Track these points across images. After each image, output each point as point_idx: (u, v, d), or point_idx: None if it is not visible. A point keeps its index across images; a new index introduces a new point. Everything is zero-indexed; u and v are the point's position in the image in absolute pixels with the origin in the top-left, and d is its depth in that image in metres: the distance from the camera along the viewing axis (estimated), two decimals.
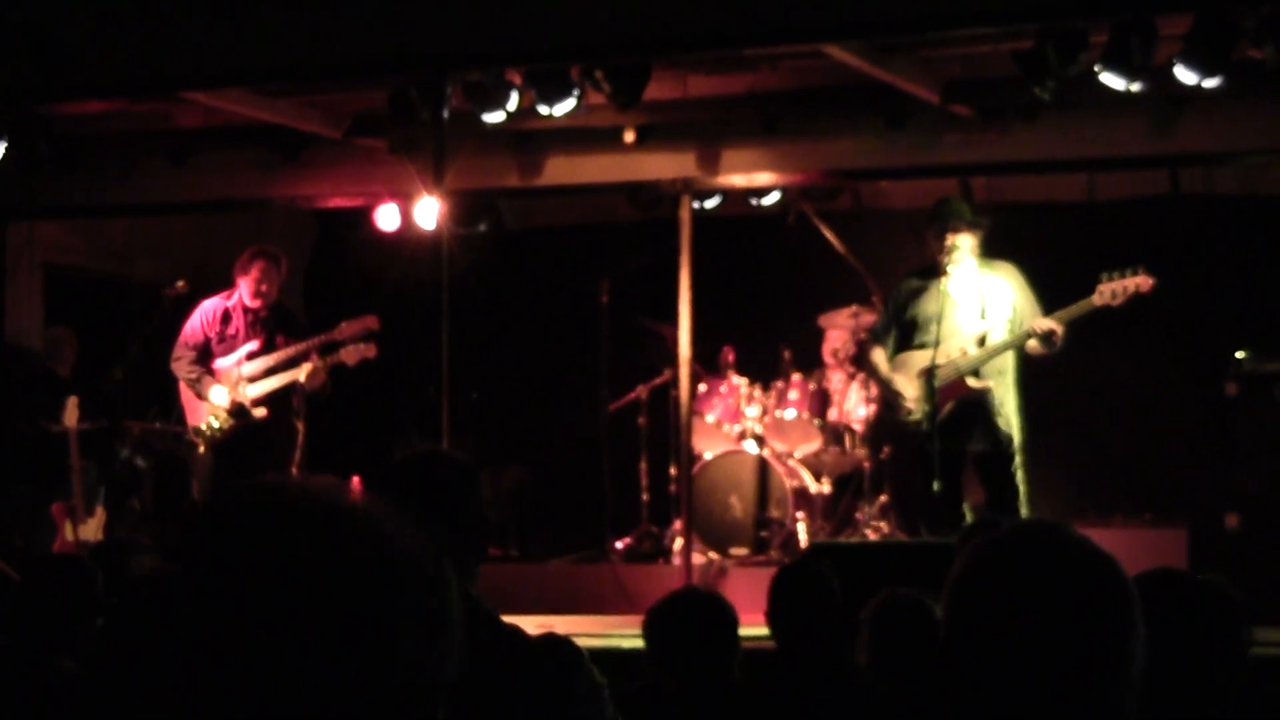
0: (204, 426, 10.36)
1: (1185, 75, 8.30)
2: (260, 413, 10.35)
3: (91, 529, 10.50)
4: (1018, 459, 9.24)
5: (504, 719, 3.47)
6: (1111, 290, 8.87)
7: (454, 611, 1.57)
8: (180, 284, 10.70)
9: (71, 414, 10.63)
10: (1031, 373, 9.44)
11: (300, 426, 10.57)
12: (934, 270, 9.30)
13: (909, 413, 9.35)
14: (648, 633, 5.12)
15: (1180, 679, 2.99)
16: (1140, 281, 8.87)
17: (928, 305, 9.29)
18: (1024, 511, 9.16)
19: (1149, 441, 11.54)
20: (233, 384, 10.35)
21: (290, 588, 1.48)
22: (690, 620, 5.13)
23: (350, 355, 10.44)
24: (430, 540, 1.65)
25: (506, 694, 3.48)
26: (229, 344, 10.45)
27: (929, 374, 9.12)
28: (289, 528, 1.53)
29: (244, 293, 10.49)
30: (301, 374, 10.35)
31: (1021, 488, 9.23)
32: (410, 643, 1.52)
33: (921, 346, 9.29)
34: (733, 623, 5.20)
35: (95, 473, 10.90)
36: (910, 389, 9.31)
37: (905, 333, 9.43)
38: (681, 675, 5.06)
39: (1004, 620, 2.19)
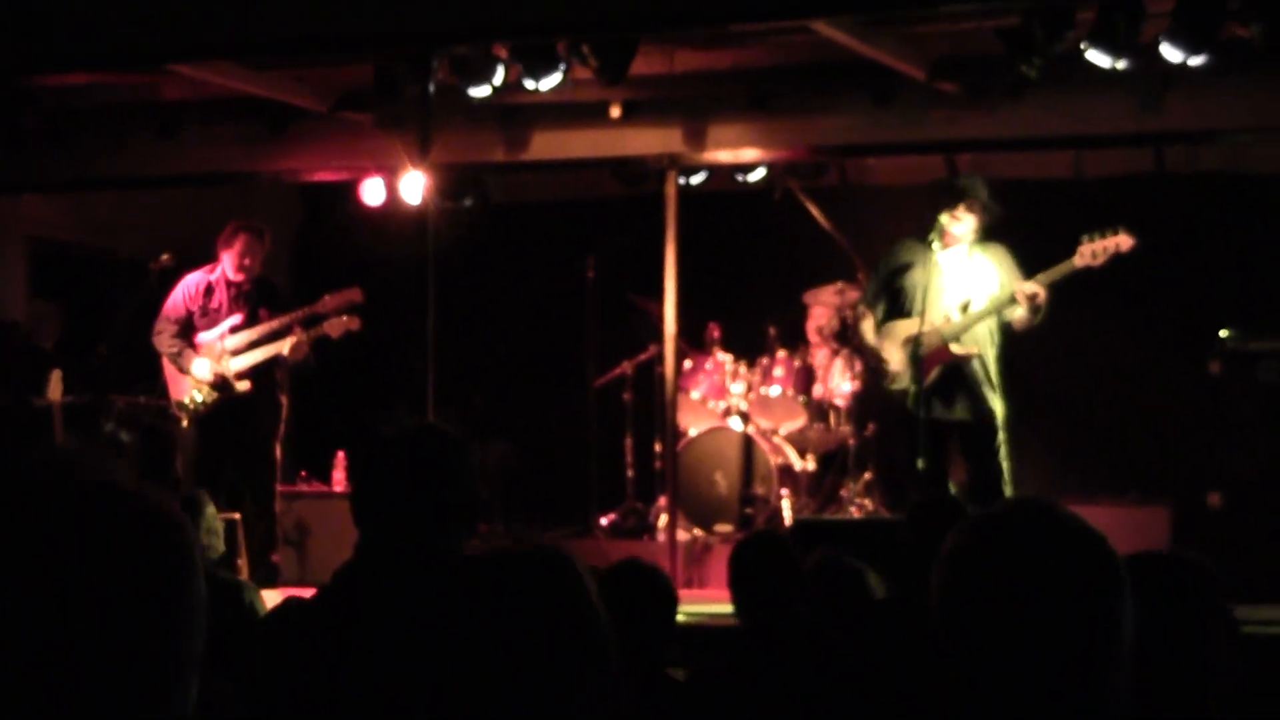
0: (187, 400, 10.35)
1: (1171, 53, 8.31)
2: (244, 386, 10.34)
3: None
4: (1001, 434, 9.25)
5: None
6: (1092, 251, 8.89)
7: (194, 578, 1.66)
8: (165, 257, 10.68)
9: (55, 388, 10.61)
10: (1016, 351, 9.46)
11: (284, 400, 10.58)
12: (926, 241, 9.31)
13: (893, 379, 9.36)
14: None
15: (1170, 659, 3.00)
16: (1120, 240, 8.89)
17: (916, 275, 9.30)
18: (1007, 488, 9.17)
19: (1133, 420, 11.57)
20: (216, 357, 10.35)
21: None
22: (627, 591, 5.09)
23: (334, 328, 10.44)
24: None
25: (506, 614, 3.46)
26: (212, 318, 10.45)
27: (914, 342, 9.13)
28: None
29: (227, 267, 10.47)
30: (285, 347, 10.35)
31: (1005, 464, 9.23)
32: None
33: (908, 315, 9.30)
34: (670, 599, 5.18)
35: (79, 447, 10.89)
36: (895, 356, 9.32)
37: (893, 301, 9.44)
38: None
39: (996, 596, 2.21)
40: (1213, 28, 8.19)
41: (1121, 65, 8.44)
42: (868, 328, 9.59)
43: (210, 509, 7.57)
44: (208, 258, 10.64)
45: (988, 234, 9.38)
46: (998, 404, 9.26)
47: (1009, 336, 9.33)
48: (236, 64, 10.12)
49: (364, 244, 12.22)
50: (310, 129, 11.33)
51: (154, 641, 1.61)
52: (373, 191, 11.53)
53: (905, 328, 9.26)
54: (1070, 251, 9.06)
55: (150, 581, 1.62)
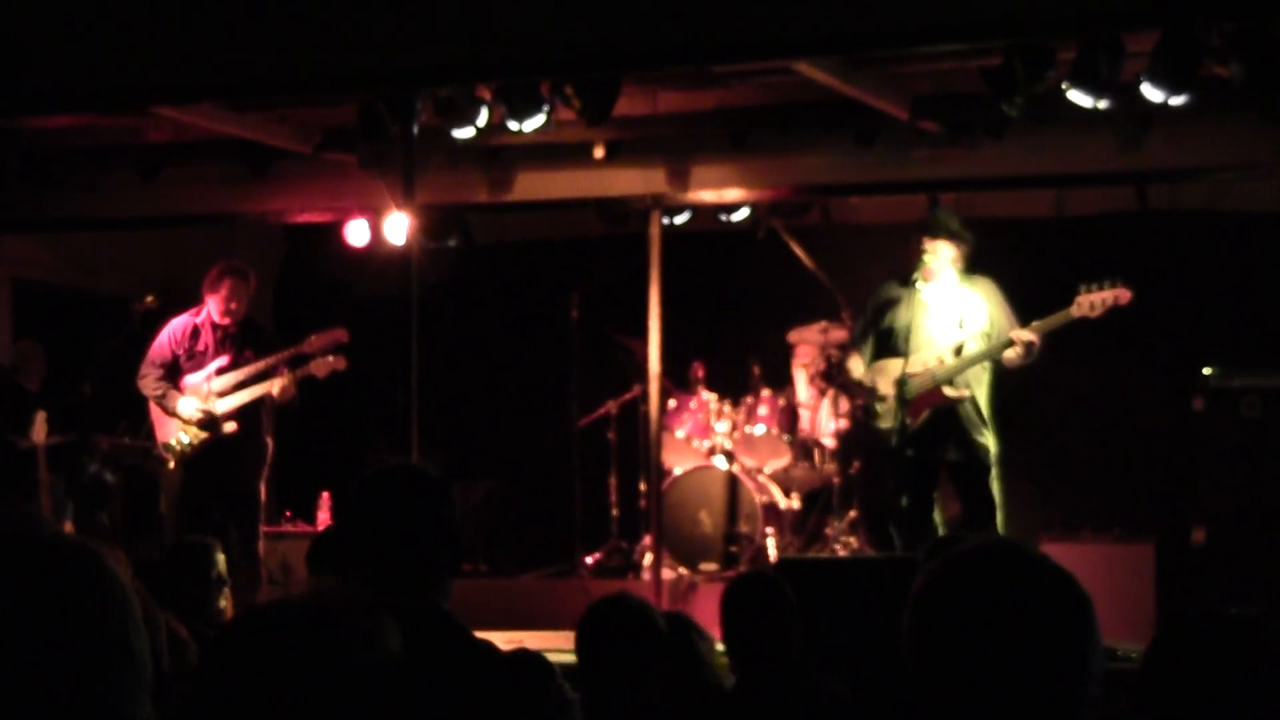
0: (174, 442, 10.33)
1: (1152, 92, 8.34)
2: (230, 427, 10.32)
3: None
4: (993, 471, 9.25)
5: None
6: (1090, 302, 8.90)
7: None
8: (150, 299, 10.67)
9: (39, 429, 10.59)
10: (999, 387, 9.46)
11: (269, 441, 10.56)
12: (910, 279, 9.31)
13: (880, 417, 9.32)
14: (577, 638, 5.06)
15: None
16: (1119, 294, 8.90)
17: (902, 314, 9.28)
18: (1000, 524, 9.16)
19: (1116, 456, 11.58)
20: (202, 399, 10.33)
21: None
22: (616, 625, 5.08)
23: (319, 368, 10.43)
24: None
25: (478, 709, 3.49)
26: (198, 360, 10.43)
27: (901, 383, 9.11)
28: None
29: (213, 309, 10.46)
30: (273, 388, 10.34)
31: (998, 500, 9.23)
32: None
33: (897, 355, 9.28)
34: (657, 632, 5.16)
35: (63, 488, 10.86)
36: (889, 393, 9.26)
37: (881, 340, 9.41)
38: (604, 682, 5.00)
39: (963, 637, 2.21)
40: (1192, 67, 8.22)
41: (1103, 104, 8.47)
42: (855, 365, 9.58)
43: (220, 558, 7.55)
44: (190, 298, 10.62)
45: (973, 268, 9.37)
46: (990, 441, 9.25)
47: (999, 373, 9.33)
48: (218, 105, 10.14)
49: (347, 284, 12.22)
50: (293, 170, 11.34)
51: (81, 674, 1.63)
52: (356, 232, 11.54)
53: (896, 367, 9.22)
54: (1054, 291, 9.06)
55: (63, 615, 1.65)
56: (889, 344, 9.34)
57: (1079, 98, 8.47)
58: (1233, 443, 10.12)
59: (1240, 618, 2.84)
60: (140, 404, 10.60)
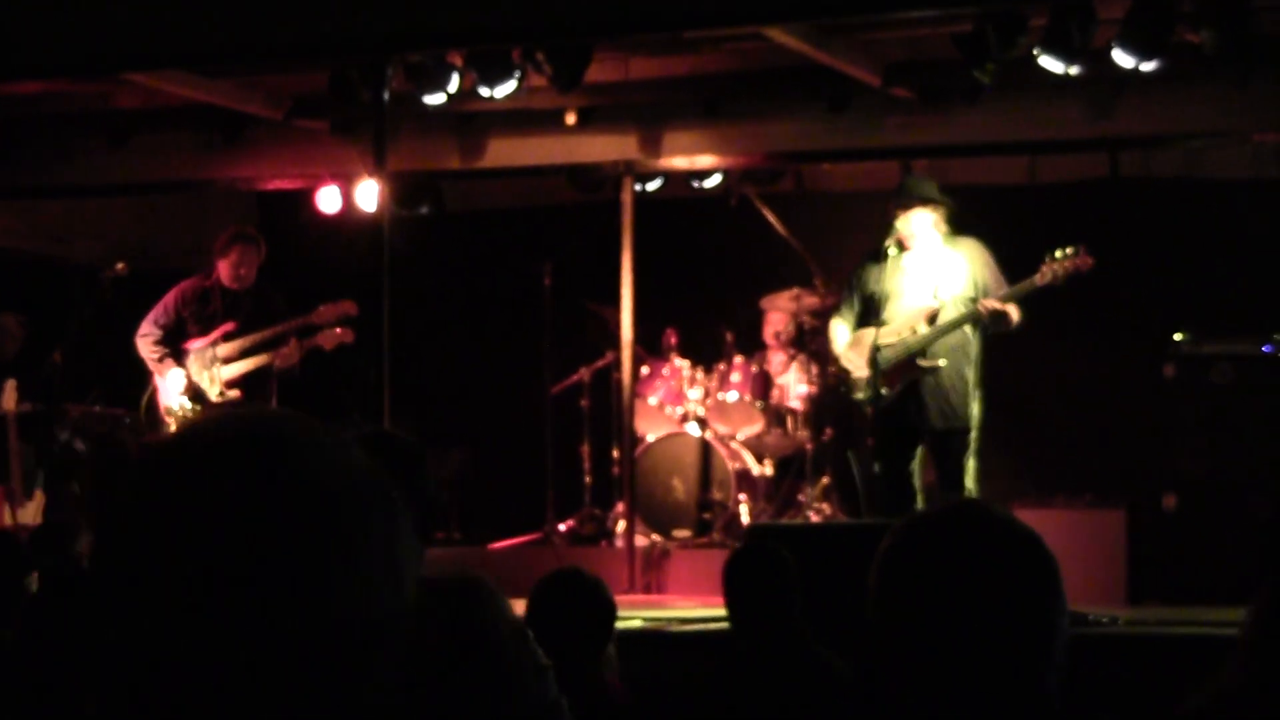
0: (176, 406, 10.27)
1: (1123, 58, 8.36)
2: (234, 394, 10.29)
3: (30, 512, 10.43)
4: (972, 439, 9.15)
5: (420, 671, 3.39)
6: (1053, 271, 8.87)
7: (408, 539, 1.52)
8: (120, 266, 10.61)
9: (10, 397, 10.54)
10: (989, 352, 9.34)
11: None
12: (886, 247, 9.21)
13: (859, 389, 9.23)
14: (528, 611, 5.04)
15: None
16: (1081, 262, 8.87)
17: (883, 283, 9.18)
18: (974, 492, 9.09)
19: (1088, 423, 11.61)
20: (207, 363, 10.28)
21: (237, 517, 1.41)
22: (564, 603, 5.07)
23: (327, 340, 10.41)
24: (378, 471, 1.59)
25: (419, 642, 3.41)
26: (205, 325, 10.37)
27: (875, 352, 9.06)
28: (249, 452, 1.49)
29: (222, 275, 10.41)
30: (278, 357, 10.32)
31: (972, 467, 9.14)
32: (364, 574, 1.46)
33: (876, 324, 9.19)
34: (609, 610, 5.16)
35: (34, 456, 10.82)
36: (862, 367, 9.20)
37: (864, 310, 9.30)
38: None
39: (931, 597, 2.22)
40: (1164, 33, 8.24)
41: (1074, 71, 8.48)
42: (837, 335, 9.43)
43: None
44: (162, 265, 10.58)
45: (959, 229, 9.25)
46: (972, 408, 9.14)
47: (987, 339, 9.18)
48: (189, 72, 10.09)
49: (320, 251, 12.19)
50: (264, 136, 11.30)
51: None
52: (328, 199, 11.50)
53: (871, 336, 9.15)
54: (1026, 258, 9.02)
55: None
56: (869, 313, 9.25)
57: (1051, 64, 8.48)
58: (1203, 409, 10.15)
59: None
60: (114, 372, 10.56)
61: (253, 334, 10.34)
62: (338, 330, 10.42)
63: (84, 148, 11.48)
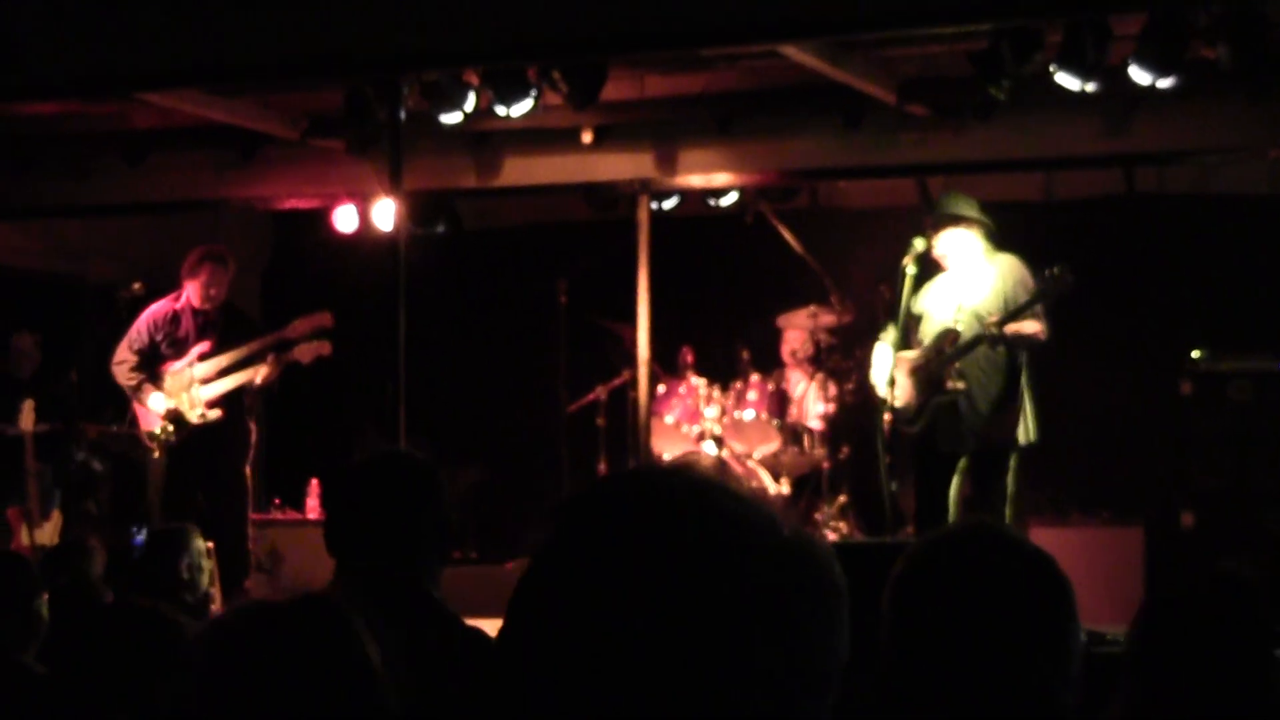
0: (158, 430, 10.29)
1: (1139, 75, 8.34)
2: (215, 414, 10.29)
3: (48, 533, 10.44)
4: (1012, 461, 9.00)
5: None
6: (1042, 288, 8.76)
7: (843, 599, 1.55)
8: (136, 286, 10.64)
9: (27, 417, 10.56)
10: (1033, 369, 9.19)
11: (253, 427, 10.53)
12: (909, 265, 9.12)
13: (892, 411, 9.11)
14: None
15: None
16: (1062, 282, 8.72)
17: (917, 303, 9.14)
18: (1008, 512, 8.89)
19: (1105, 440, 11.58)
20: (186, 385, 10.29)
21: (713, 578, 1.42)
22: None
23: (305, 353, 10.41)
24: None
25: (469, 697, 3.47)
26: (179, 347, 10.38)
27: (911, 374, 9.00)
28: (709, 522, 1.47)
29: (192, 295, 10.41)
30: (257, 374, 10.31)
31: (1010, 487, 8.96)
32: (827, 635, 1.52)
33: (909, 346, 9.14)
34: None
35: (51, 476, 10.83)
36: (893, 388, 9.09)
37: (904, 329, 9.19)
38: None
39: (942, 618, 2.21)
40: (1180, 50, 8.22)
41: (1090, 87, 8.46)
42: (875, 357, 9.26)
43: (198, 543, 7.58)
44: (178, 284, 10.59)
45: (1000, 244, 9.14)
46: (1007, 429, 8.94)
47: (1033, 354, 9.01)
48: (205, 91, 10.11)
49: (336, 270, 12.20)
50: (280, 155, 11.31)
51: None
52: (344, 218, 11.52)
53: (904, 359, 9.06)
54: (1040, 274, 8.97)
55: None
56: (909, 335, 9.17)
57: (1066, 80, 8.46)
58: (1221, 426, 10.13)
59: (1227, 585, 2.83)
60: (124, 391, 10.57)
61: (228, 353, 10.34)
62: (315, 343, 10.42)
63: (100, 167, 11.50)
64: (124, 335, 10.49)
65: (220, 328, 10.43)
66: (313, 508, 11.58)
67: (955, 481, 9.00)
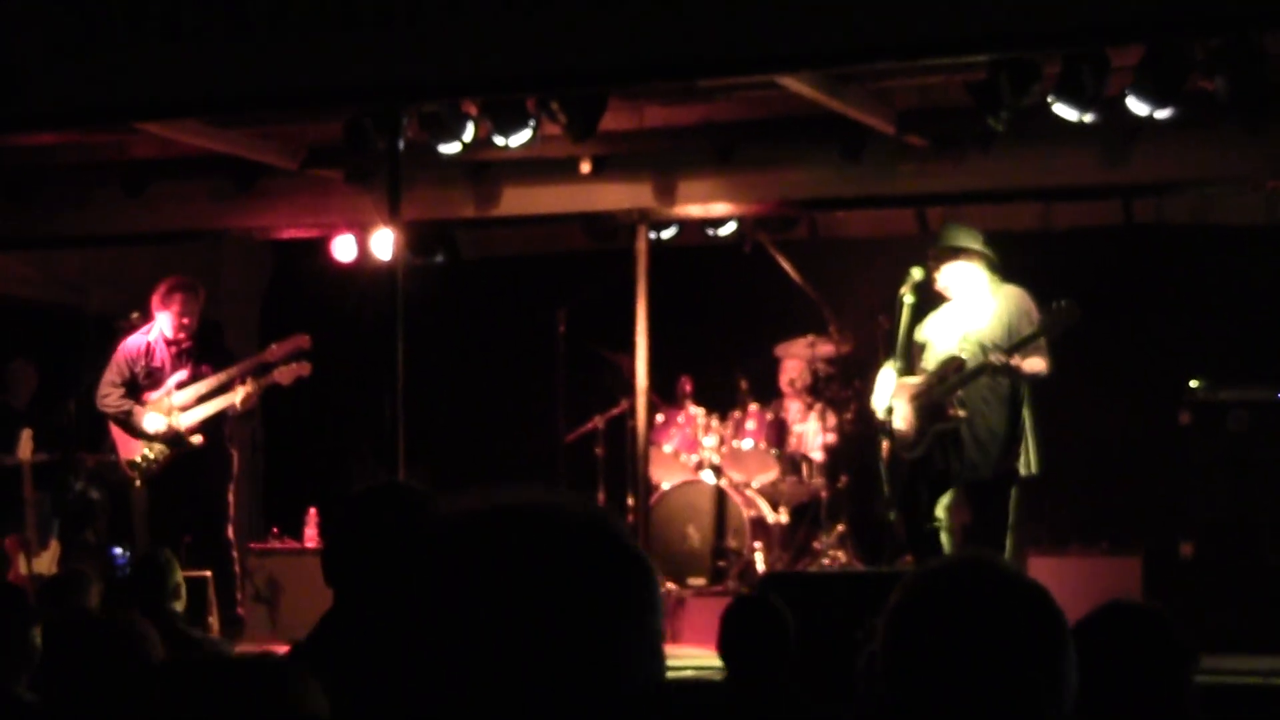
0: (138, 459, 10.28)
1: (1137, 106, 8.36)
2: (196, 440, 10.27)
3: (46, 562, 10.43)
4: (1012, 490, 9.01)
5: None
6: (1047, 323, 8.81)
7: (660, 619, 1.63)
8: (135, 316, 10.64)
9: (25, 446, 10.56)
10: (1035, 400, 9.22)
11: (234, 452, 10.53)
12: (938, 298, 9.21)
13: (893, 440, 9.14)
14: None
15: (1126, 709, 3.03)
16: (1068, 316, 8.75)
17: (919, 332, 9.22)
18: (1008, 542, 8.91)
19: (1104, 470, 11.58)
20: (165, 413, 10.28)
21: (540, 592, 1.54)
22: None
23: (284, 376, 10.40)
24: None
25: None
26: (155, 378, 10.36)
27: (911, 402, 9.04)
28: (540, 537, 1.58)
29: (165, 326, 10.39)
30: (236, 399, 10.30)
31: (1010, 518, 9.00)
32: (640, 650, 1.60)
33: (911, 373, 9.21)
34: None
35: (49, 505, 10.83)
36: (894, 415, 9.14)
37: (907, 359, 9.25)
38: None
39: (937, 650, 2.21)
40: (1178, 81, 8.24)
41: (1088, 118, 8.47)
42: (878, 384, 9.31)
43: (176, 571, 7.60)
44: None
45: (1003, 276, 9.19)
46: (1008, 460, 8.97)
47: (1034, 385, 9.06)
48: (204, 122, 10.13)
49: (335, 299, 12.21)
50: (280, 186, 11.33)
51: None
52: (343, 248, 11.53)
53: (906, 387, 9.12)
54: (1044, 305, 8.98)
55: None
56: (912, 363, 9.23)
57: (1065, 111, 8.48)
58: (1220, 456, 10.12)
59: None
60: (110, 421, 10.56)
61: (206, 380, 10.34)
62: (294, 365, 10.42)
63: (100, 197, 11.51)
64: (104, 371, 10.47)
65: (196, 355, 10.42)
66: (311, 537, 11.56)
67: (943, 509, 9.05)
